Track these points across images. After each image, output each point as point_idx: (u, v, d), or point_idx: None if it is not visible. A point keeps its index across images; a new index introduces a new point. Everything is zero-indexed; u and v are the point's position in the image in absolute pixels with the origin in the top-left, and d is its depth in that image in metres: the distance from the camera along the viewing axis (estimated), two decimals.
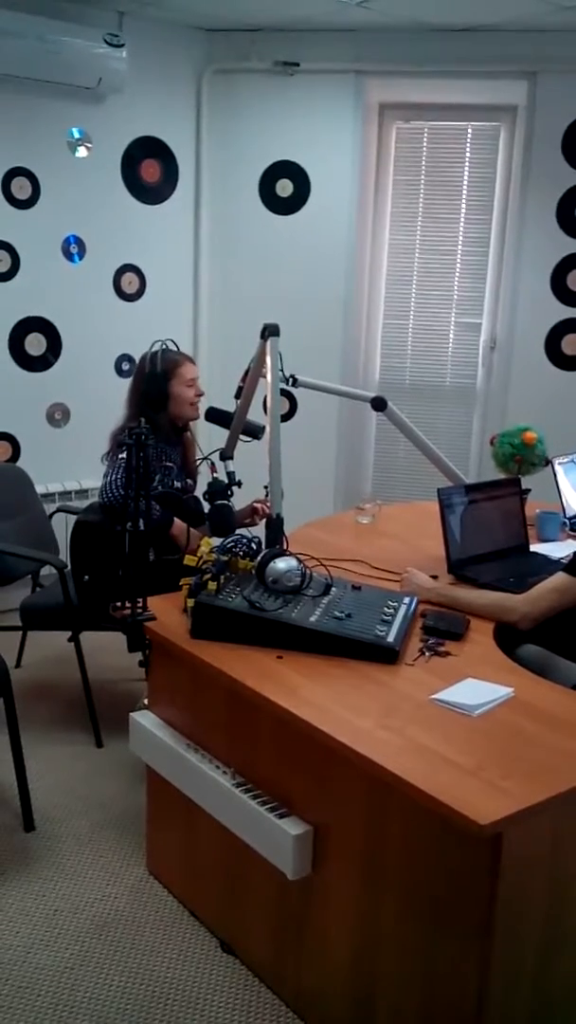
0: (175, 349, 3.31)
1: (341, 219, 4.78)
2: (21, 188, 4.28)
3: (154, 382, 3.22)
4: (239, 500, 3.26)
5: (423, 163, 4.79)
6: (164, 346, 3.27)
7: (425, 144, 4.78)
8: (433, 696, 2.05)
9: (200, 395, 3.34)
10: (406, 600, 2.52)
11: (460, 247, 4.83)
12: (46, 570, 3.63)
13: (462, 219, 4.80)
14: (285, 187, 4.79)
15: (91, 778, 3.19)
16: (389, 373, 5.03)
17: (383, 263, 4.93)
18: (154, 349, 3.25)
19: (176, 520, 3.20)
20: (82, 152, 4.44)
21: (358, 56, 4.56)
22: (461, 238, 4.82)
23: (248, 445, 3.22)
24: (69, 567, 3.40)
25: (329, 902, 2.08)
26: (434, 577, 2.74)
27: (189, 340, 4.93)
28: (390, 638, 2.26)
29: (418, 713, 2.00)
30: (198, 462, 3.35)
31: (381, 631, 2.29)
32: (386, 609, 2.42)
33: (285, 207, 4.81)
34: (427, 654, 2.28)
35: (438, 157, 4.78)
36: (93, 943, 2.44)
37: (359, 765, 1.85)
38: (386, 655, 2.23)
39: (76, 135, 4.41)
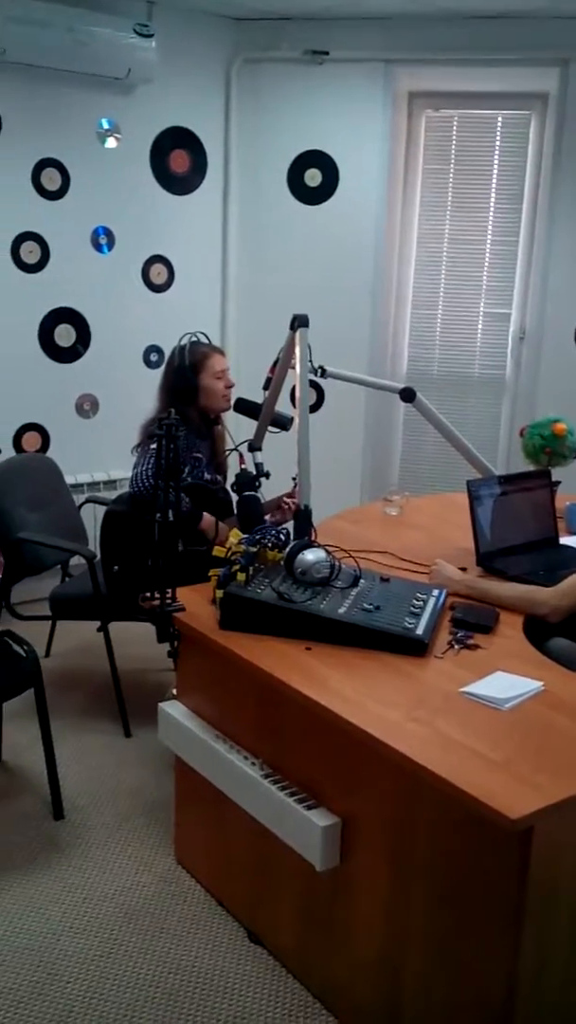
0: (205, 341, 3.31)
1: (370, 208, 4.75)
2: (51, 179, 4.29)
3: (183, 375, 3.22)
4: (267, 491, 3.25)
5: (452, 152, 4.75)
6: (194, 338, 3.27)
7: (455, 132, 4.73)
8: (463, 689, 2.05)
9: (231, 386, 3.34)
10: (435, 592, 2.51)
11: (489, 236, 4.78)
12: (75, 560, 3.65)
13: (492, 208, 4.76)
14: (314, 176, 4.77)
15: (119, 767, 3.22)
16: (417, 363, 5.00)
17: (412, 253, 4.90)
18: (183, 342, 3.26)
19: (205, 515, 3.20)
20: (111, 143, 4.45)
21: (388, 44, 4.53)
22: (490, 227, 4.78)
23: (276, 436, 3.21)
24: (98, 557, 3.41)
25: (357, 894, 2.08)
26: (463, 569, 2.73)
27: (217, 331, 4.93)
28: (419, 630, 2.26)
29: (447, 706, 1.99)
30: (227, 453, 3.35)
31: (410, 623, 2.28)
32: (415, 601, 2.41)
33: (313, 197, 4.79)
34: (456, 647, 2.27)
35: (468, 146, 4.74)
36: (122, 931, 2.46)
37: (388, 757, 1.84)
38: (415, 647, 2.22)
39: (105, 126, 4.41)
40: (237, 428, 3.41)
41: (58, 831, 2.87)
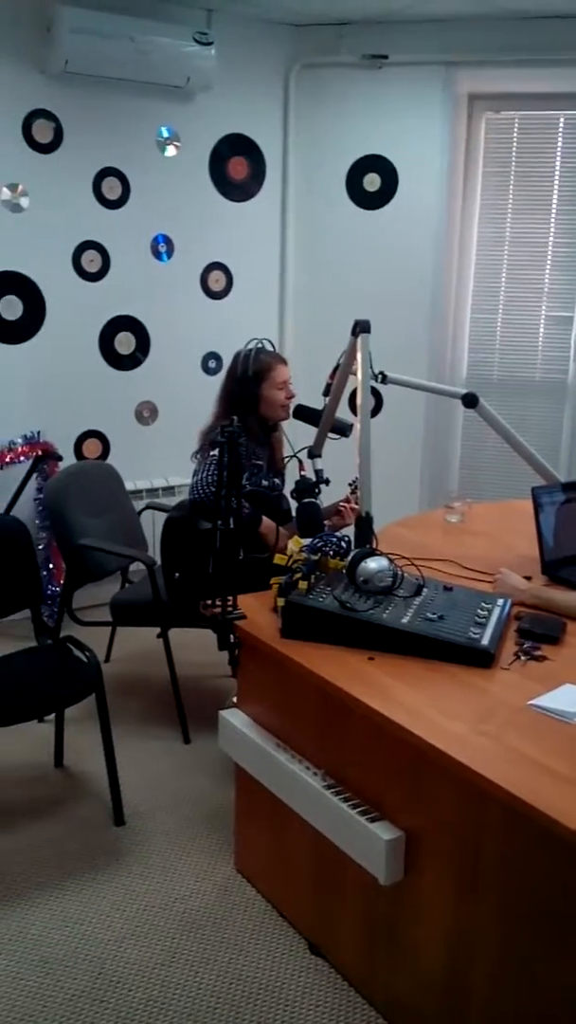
0: (270, 350, 3.30)
1: (429, 213, 4.71)
2: (111, 188, 4.33)
3: (245, 384, 3.22)
4: (326, 498, 3.23)
5: (513, 154, 4.69)
6: (260, 345, 3.26)
7: (515, 134, 4.67)
8: (531, 702, 2.00)
9: (291, 397, 3.33)
10: (500, 602, 2.47)
11: (551, 239, 4.71)
12: (135, 566, 3.67)
13: (553, 210, 4.68)
14: (373, 181, 4.74)
15: (179, 774, 3.22)
16: (477, 368, 4.94)
17: (471, 256, 4.84)
18: (249, 347, 3.25)
19: (265, 519, 3.19)
20: (171, 151, 4.47)
21: (447, 46, 4.49)
22: (552, 229, 4.70)
23: (334, 443, 3.19)
24: (158, 564, 3.42)
25: (422, 909, 2.04)
26: (528, 578, 2.68)
27: (275, 337, 4.93)
28: (485, 641, 2.21)
29: (515, 719, 1.95)
30: (286, 460, 3.34)
31: (475, 633, 2.24)
32: (479, 611, 2.37)
33: (372, 202, 4.77)
34: (523, 658, 2.22)
35: (529, 147, 4.67)
36: (183, 940, 2.46)
37: (454, 771, 1.81)
38: (481, 658, 2.18)
39: (165, 134, 4.44)
40: (297, 435, 3.40)
41: (119, 837, 2.87)
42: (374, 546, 2.53)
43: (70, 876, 2.69)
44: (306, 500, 3.04)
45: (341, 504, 3.40)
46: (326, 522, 3.29)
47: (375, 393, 4.68)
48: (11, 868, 2.72)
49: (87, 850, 2.80)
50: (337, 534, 2.63)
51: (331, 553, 2.54)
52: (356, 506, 3.34)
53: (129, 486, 4.11)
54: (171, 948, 2.43)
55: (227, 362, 3.46)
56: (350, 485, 3.35)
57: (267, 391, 3.27)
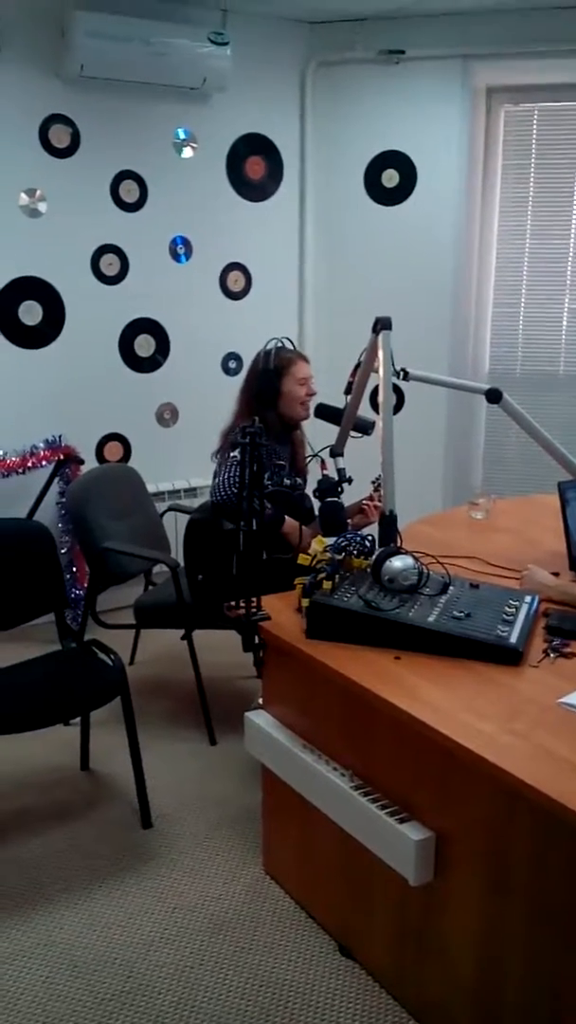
0: (290, 347, 3.29)
1: (449, 207, 4.68)
2: (129, 191, 4.34)
3: (266, 378, 3.21)
4: (349, 497, 3.21)
5: (533, 146, 4.65)
6: (279, 343, 3.26)
7: (535, 127, 4.63)
8: (561, 700, 1.97)
9: (311, 395, 3.31)
10: (527, 599, 2.44)
11: (573, 231, 4.66)
12: (159, 568, 3.66)
13: (575, 202, 4.64)
14: (391, 177, 4.72)
15: (205, 776, 3.21)
16: (499, 363, 4.91)
17: (492, 250, 4.81)
18: (269, 346, 3.24)
19: (288, 519, 3.18)
20: (188, 152, 4.47)
21: (464, 40, 4.45)
22: (574, 222, 4.65)
23: (356, 441, 3.17)
24: (181, 566, 3.42)
25: (452, 910, 2.02)
26: (555, 574, 2.64)
27: (295, 336, 4.92)
28: (512, 639, 2.19)
29: (545, 717, 1.92)
30: (308, 459, 3.33)
31: (503, 631, 2.22)
32: (507, 608, 2.35)
33: (391, 198, 4.75)
34: (552, 655, 2.19)
35: (549, 139, 4.63)
36: (212, 942, 2.45)
37: (484, 771, 1.78)
38: (509, 656, 2.15)
39: (182, 136, 4.44)
40: (319, 434, 3.38)
41: (146, 840, 2.87)
42: (398, 544, 2.51)
43: (98, 879, 2.69)
44: (329, 499, 3.02)
45: (364, 503, 3.38)
46: (349, 521, 3.27)
47: (397, 390, 4.66)
48: (39, 872, 2.72)
49: (114, 853, 2.80)
50: (361, 533, 2.61)
51: (355, 552, 2.53)
52: (379, 504, 3.32)
53: (151, 488, 4.11)
54: (200, 950, 2.42)
55: (247, 362, 3.45)
56: (373, 483, 3.33)
57: (288, 386, 3.26)
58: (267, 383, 3.22)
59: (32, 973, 2.35)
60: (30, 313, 4.20)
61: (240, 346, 4.71)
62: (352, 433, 3.15)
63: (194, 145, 4.48)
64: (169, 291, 4.54)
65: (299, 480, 3.43)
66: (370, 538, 2.58)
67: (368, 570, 2.42)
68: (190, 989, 2.29)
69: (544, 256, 4.74)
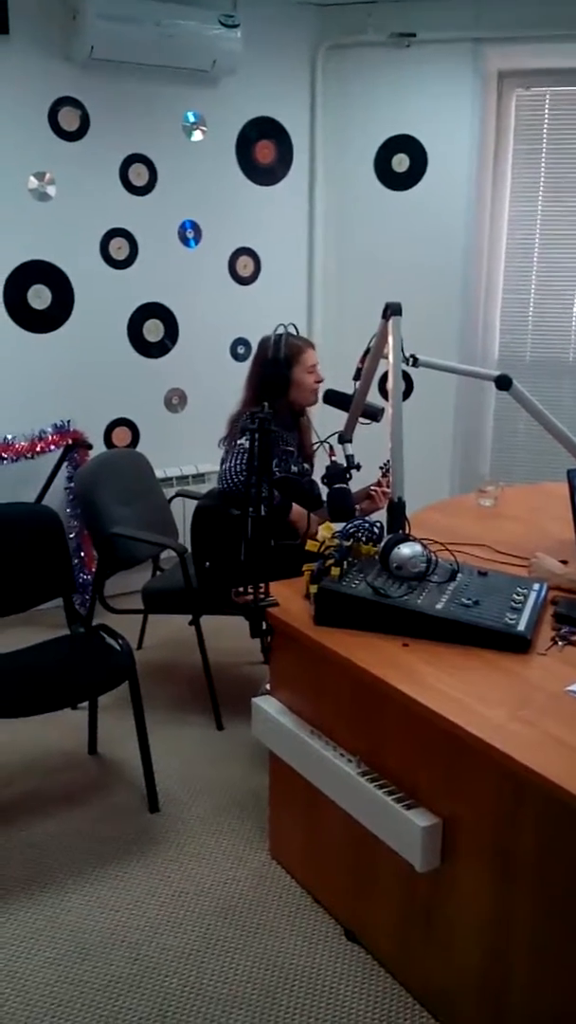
0: (297, 334, 3.28)
1: (459, 192, 4.65)
2: (138, 175, 4.32)
3: (276, 368, 3.20)
4: (357, 483, 3.21)
5: (544, 131, 4.61)
6: (286, 330, 3.24)
7: (547, 111, 4.60)
8: (569, 688, 1.97)
9: (320, 381, 3.31)
10: (536, 586, 2.43)
11: None
12: (166, 554, 3.67)
13: None
14: (401, 162, 4.69)
15: (213, 761, 3.22)
16: (508, 349, 4.89)
17: (503, 236, 4.78)
18: (277, 333, 3.23)
19: (295, 506, 3.18)
20: (197, 136, 4.45)
21: (476, 23, 4.42)
22: None
23: (365, 427, 3.16)
24: (189, 551, 3.42)
25: (459, 896, 2.03)
26: (564, 562, 2.64)
27: (304, 321, 4.90)
28: (521, 626, 2.18)
29: (553, 705, 1.92)
30: (315, 446, 3.32)
31: (511, 619, 2.21)
32: (515, 596, 2.34)
33: (401, 182, 4.72)
34: (560, 643, 2.19)
35: (561, 124, 4.59)
36: (218, 926, 2.46)
37: (492, 758, 1.78)
38: (517, 644, 2.15)
39: (191, 119, 4.42)
40: (327, 420, 3.37)
41: (154, 824, 2.88)
42: (407, 531, 2.51)
43: (105, 863, 2.70)
44: (337, 486, 3.02)
45: (372, 488, 3.38)
46: (358, 507, 3.27)
47: (406, 376, 4.63)
48: (46, 855, 2.73)
49: (122, 837, 2.81)
50: (369, 519, 2.61)
51: (363, 539, 2.52)
52: (387, 490, 3.31)
53: (159, 474, 4.11)
54: (207, 934, 2.43)
55: (255, 348, 3.44)
56: (381, 468, 3.32)
57: (298, 375, 3.25)
58: (277, 372, 3.21)
59: (39, 955, 2.36)
60: (39, 297, 4.20)
61: (249, 331, 4.69)
62: (361, 419, 3.15)
63: (204, 128, 4.45)
64: (178, 276, 4.53)
65: (307, 466, 3.43)
66: (378, 525, 2.58)
67: (376, 557, 2.42)
68: (196, 972, 2.30)
69: (555, 242, 4.71)
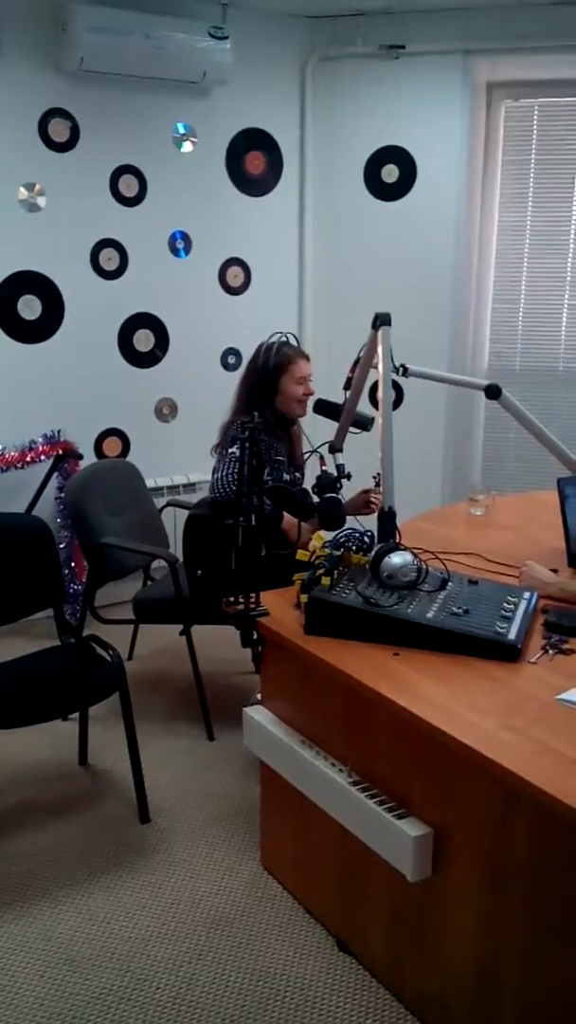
0: (294, 344, 3.28)
1: (449, 202, 4.67)
2: (128, 186, 4.33)
3: (265, 375, 3.21)
4: (347, 493, 3.21)
5: (534, 142, 4.64)
6: (284, 339, 3.25)
7: (536, 122, 4.63)
8: (559, 696, 1.97)
9: (309, 394, 3.31)
10: (526, 595, 2.44)
11: (573, 227, 4.66)
12: (157, 563, 3.66)
13: (575, 198, 4.63)
14: (391, 172, 4.71)
15: (203, 771, 3.21)
16: (499, 359, 4.90)
17: (492, 246, 4.80)
18: (272, 340, 3.23)
19: (286, 515, 3.18)
20: (187, 147, 4.46)
21: (465, 35, 4.45)
22: (574, 217, 4.65)
23: (355, 437, 3.17)
24: (180, 561, 3.41)
25: (450, 906, 2.02)
26: (554, 571, 2.65)
27: (295, 331, 4.89)
28: (511, 635, 2.19)
29: (543, 714, 1.92)
30: (306, 455, 3.32)
31: (501, 628, 2.22)
32: (506, 604, 2.35)
33: (391, 193, 4.74)
34: (551, 652, 2.19)
35: (550, 135, 4.62)
36: (210, 937, 2.45)
37: (483, 767, 1.78)
38: (507, 652, 2.15)
39: (181, 130, 4.43)
40: (318, 429, 3.38)
41: (144, 835, 2.87)
42: (397, 540, 2.51)
43: (96, 874, 2.69)
44: (328, 495, 3.02)
45: (371, 495, 3.36)
46: (364, 512, 3.26)
47: (396, 386, 4.65)
48: (37, 866, 2.72)
49: (112, 848, 2.80)
50: (360, 529, 2.61)
51: (354, 548, 2.52)
52: (376, 499, 3.32)
53: (150, 483, 4.11)
54: (197, 945, 2.42)
55: (247, 358, 3.44)
56: (374, 478, 3.32)
57: (285, 384, 3.26)
58: (265, 379, 3.21)
59: (30, 967, 2.35)
60: (29, 307, 4.20)
61: (239, 341, 4.70)
62: (351, 429, 3.15)
63: (194, 140, 4.47)
64: (168, 286, 4.53)
65: (298, 475, 3.43)
66: (369, 534, 2.58)
67: (367, 566, 2.42)
68: (187, 984, 2.29)
69: (544, 252, 4.73)
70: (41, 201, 4.13)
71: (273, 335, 3.24)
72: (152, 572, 3.86)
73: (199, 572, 3.31)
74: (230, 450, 3.14)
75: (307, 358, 3.34)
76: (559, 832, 1.71)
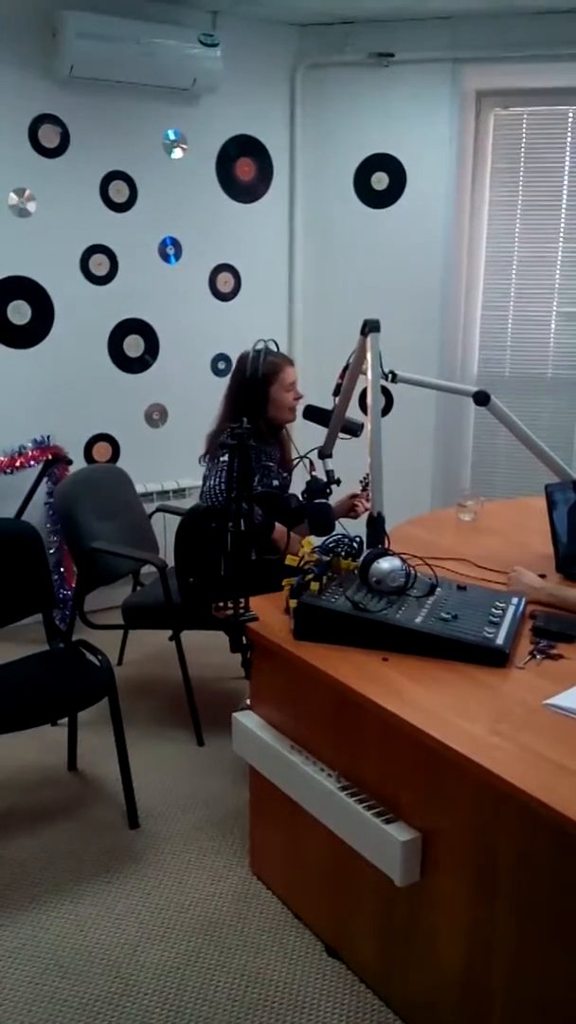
0: (276, 351, 3.28)
1: (438, 210, 4.70)
2: (119, 192, 4.33)
3: (254, 386, 3.20)
4: (337, 498, 3.22)
5: (522, 150, 4.67)
6: (265, 346, 3.25)
7: (524, 130, 4.65)
8: (547, 701, 1.98)
9: (299, 399, 3.32)
10: (514, 600, 2.45)
11: (562, 234, 4.69)
12: (147, 569, 3.66)
13: (563, 206, 4.66)
14: (380, 180, 4.73)
15: (193, 777, 3.21)
16: (488, 365, 4.93)
17: (481, 253, 4.82)
18: (256, 348, 3.23)
19: (277, 525, 3.18)
20: (178, 153, 4.47)
21: (454, 43, 4.47)
22: (563, 225, 4.68)
23: (345, 443, 3.17)
24: (169, 566, 3.42)
25: (439, 910, 2.03)
26: (542, 576, 2.66)
27: (284, 337, 4.92)
28: (499, 640, 2.20)
29: (531, 719, 1.93)
30: (295, 461, 3.33)
31: (489, 633, 2.22)
32: (494, 610, 2.36)
33: (380, 200, 4.76)
34: (538, 657, 2.20)
35: (538, 143, 4.65)
36: (199, 943, 2.45)
37: (471, 772, 1.79)
38: (495, 658, 2.16)
39: (172, 137, 4.44)
40: (307, 435, 3.39)
41: (133, 841, 2.87)
42: (386, 546, 2.52)
43: (85, 880, 2.68)
44: (317, 501, 3.03)
45: (355, 500, 3.38)
46: (352, 515, 3.27)
47: (386, 392, 4.67)
48: (25, 872, 2.71)
49: (101, 853, 2.80)
50: (349, 534, 2.61)
51: (343, 554, 2.53)
52: (363, 504, 3.33)
53: (139, 489, 4.11)
54: (187, 951, 2.42)
55: (235, 363, 3.44)
56: (361, 482, 3.34)
57: (276, 393, 3.26)
58: (255, 390, 3.21)
59: (18, 973, 2.34)
60: (19, 313, 4.20)
61: (229, 347, 4.71)
62: (340, 435, 3.16)
63: (184, 146, 4.48)
64: (159, 292, 4.54)
65: (286, 475, 3.43)
66: (358, 539, 2.59)
67: (356, 571, 2.42)
68: (176, 989, 2.29)
69: (533, 259, 4.76)
70: (31, 206, 4.14)
71: (257, 342, 3.24)
72: (142, 577, 3.86)
73: (191, 580, 3.31)
74: (222, 459, 3.15)
75: (292, 363, 3.35)
76: (547, 837, 1.72)
